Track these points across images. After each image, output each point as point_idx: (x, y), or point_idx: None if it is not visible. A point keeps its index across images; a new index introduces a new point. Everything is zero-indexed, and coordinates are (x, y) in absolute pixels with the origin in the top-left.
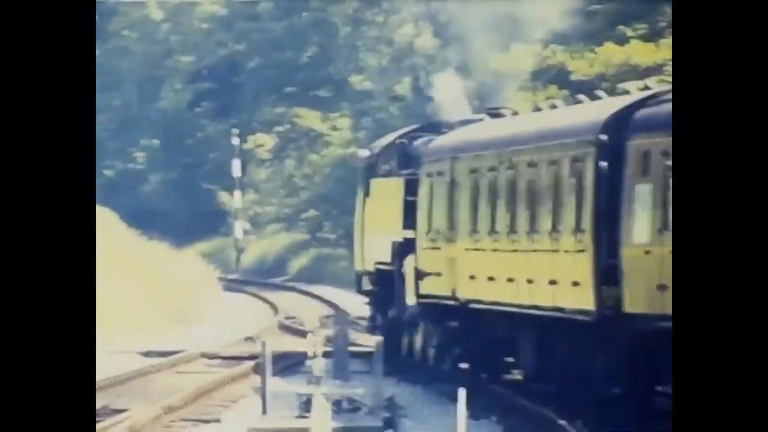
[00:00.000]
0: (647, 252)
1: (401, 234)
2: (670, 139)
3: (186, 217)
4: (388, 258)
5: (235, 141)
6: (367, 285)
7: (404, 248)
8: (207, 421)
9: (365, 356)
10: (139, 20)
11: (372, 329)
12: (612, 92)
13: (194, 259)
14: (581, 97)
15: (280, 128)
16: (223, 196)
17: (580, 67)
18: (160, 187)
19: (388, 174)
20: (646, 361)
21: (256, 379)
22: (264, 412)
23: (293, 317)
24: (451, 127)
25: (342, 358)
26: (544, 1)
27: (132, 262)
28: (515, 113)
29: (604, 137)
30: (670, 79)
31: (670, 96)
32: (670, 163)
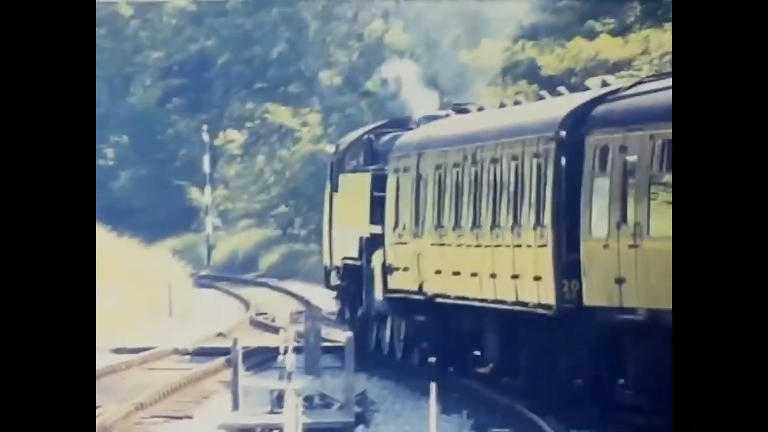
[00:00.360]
0: (606, 246)
1: (369, 229)
2: (628, 134)
3: (156, 213)
4: (355, 253)
5: (206, 137)
6: (335, 280)
7: (372, 243)
8: (179, 418)
9: (337, 351)
10: (108, 16)
11: (340, 324)
12: (581, 87)
13: (165, 255)
14: (543, 93)
15: (250, 124)
16: (193, 192)
17: (550, 62)
18: (131, 183)
19: (355, 170)
20: (607, 353)
21: (227, 376)
22: (236, 408)
23: (265, 313)
24: (417, 123)
25: (314, 354)
26: None
27: (102, 259)
28: (481, 109)
29: (563, 133)
30: (639, 73)
31: (628, 91)
32: (627, 158)
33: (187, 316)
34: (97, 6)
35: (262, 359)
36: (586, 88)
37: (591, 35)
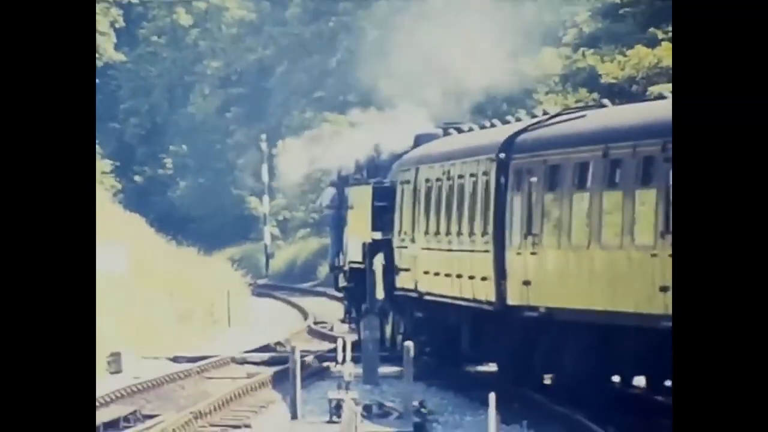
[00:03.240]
0: (518, 253)
1: (371, 235)
2: (535, 159)
3: (215, 222)
4: (360, 257)
5: (264, 146)
6: (343, 282)
7: (374, 248)
8: (237, 427)
9: (396, 360)
10: (168, 26)
11: (348, 321)
12: (641, 95)
13: (224, 264)
14: (606, 101)
15: (308, 133)
16: (252, 202)
17: (611, 70)
18: (189, 192)
19: (358, 183)
20: (531, 347)
21: (286, 385)
22: (294, 417)
23: (323, 322)
24: (414, 141)
25: (372, 363)
26: (575, 4)
27: (162, 267)
28: (470, 129)
29: (501, 155)
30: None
31: (548, 121)
32: (533, 178)
33: (245, 325)
34: (156, 15)
35: (320, 368)
36: (645, 97)
37: (653, 43)
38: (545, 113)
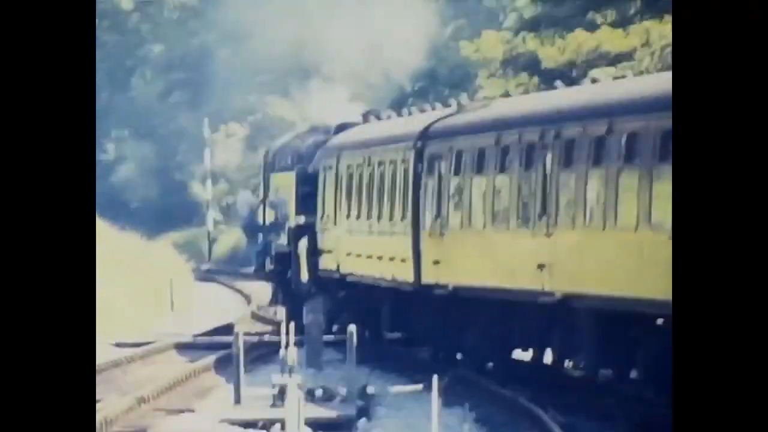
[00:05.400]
0: (430, 234)
1: (295, 220)
2: (443, 145)
3: (158, 207)
4: (285, 241)
5: (207, 131)
6: (270, 266)
7: (298, 232)
8: (181, 411)
9: (339, 345)
10: (110, 10)
11: (275, 303)
12: (582, 80)
13: (167, 249)
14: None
15: (251, 117)
16: (194, 187)
17: (551, 54)
18: (131, 177)
19: (283, 169)
20: (444, 325)
21: (229, 370)
22: (237, 402)
23: (266, 306)
24: (332, 130)
25: (315, 347)
26: None
27: (104, 253)
28: (389, 117)
29: (419, 144)
30: (640, 65)
31: (457, 113)
32: (441, 163)
33: (188, 311)
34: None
35: (263, 353)
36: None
37: (592, 27)
38: (486, 98)
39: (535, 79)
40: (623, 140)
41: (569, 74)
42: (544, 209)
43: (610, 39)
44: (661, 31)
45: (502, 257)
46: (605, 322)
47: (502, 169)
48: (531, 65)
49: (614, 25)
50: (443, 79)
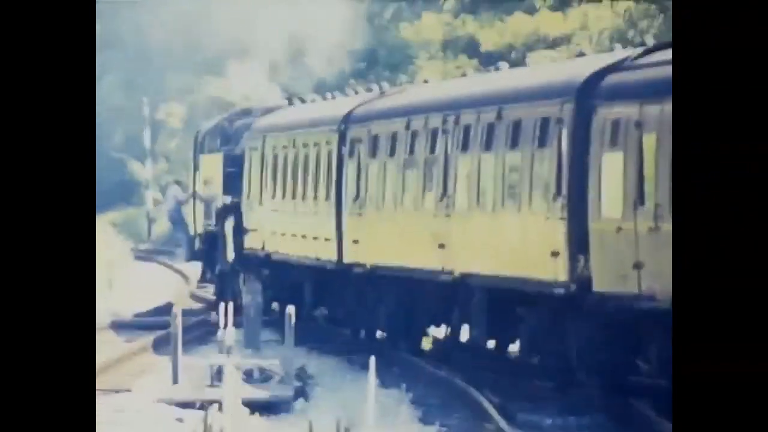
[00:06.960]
0: (350, 215)
1: (222, 200)
2: (362, 129)
3: (96, 187)
4: (213, 220)
5: (146, 110)
6: (198, 245)
7: (225, 212)
8: (117, 391)
9: (277, 325)
10: None
11: (203, 281)
12: (521, 63)
13: (105, 229)
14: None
15: (190, 97)
16: (134, 166)
17: (490, 37)
18: None
19: (211, 150)
20: (363, 303)
21: (167, 349)
22: (175, 382)
23: (205, 286)
24: (261, 112)
25: (253, 328)
26: None
27: None
28: (313, 101)
29: (342, 127)
30: (578, 48)
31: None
32: (360, 146)
33: (126, 290)
34: None
35: (201, 333)
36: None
37: (531, 10)
38: (425, 81)
39: (475, 62)
40: (510, 126)
41: (508, 57)
42: (445, 191)
43: (548, 22)
44: (599, 14)
45: (408, 237)
46: (496, 300)
47: (411, 152)
48: (470, 48)
49: (553, 8)
50: (383, 61)
